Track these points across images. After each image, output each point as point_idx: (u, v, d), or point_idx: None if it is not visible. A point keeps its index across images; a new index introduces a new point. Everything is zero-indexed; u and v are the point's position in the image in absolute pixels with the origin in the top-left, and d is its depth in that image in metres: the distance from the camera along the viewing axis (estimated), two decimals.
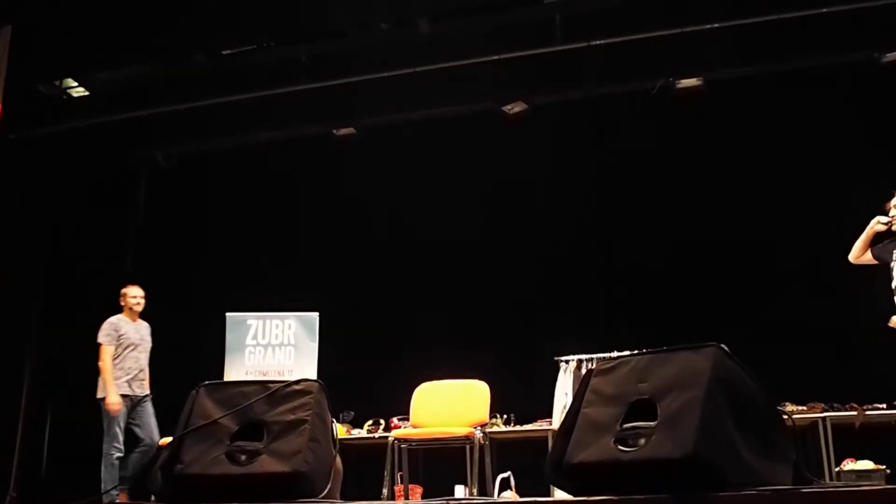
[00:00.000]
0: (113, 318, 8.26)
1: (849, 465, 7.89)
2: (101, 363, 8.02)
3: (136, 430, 7.97)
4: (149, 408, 8.15)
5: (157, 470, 3.94)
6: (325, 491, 3.87)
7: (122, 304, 8.39)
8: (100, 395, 8.01)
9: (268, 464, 3.78)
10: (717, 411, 3.16)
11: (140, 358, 8.27)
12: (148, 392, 8.24)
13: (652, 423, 3.25)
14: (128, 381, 8.06)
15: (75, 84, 10.32)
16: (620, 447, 3.29)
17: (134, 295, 8.40)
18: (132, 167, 11.34)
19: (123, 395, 7.95)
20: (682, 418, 3.16)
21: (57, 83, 10.27)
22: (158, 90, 10.06)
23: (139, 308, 8.41)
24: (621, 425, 3.35)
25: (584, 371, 8.75)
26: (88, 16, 9.21)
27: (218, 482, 3.79)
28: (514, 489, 8.29)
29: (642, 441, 3.25)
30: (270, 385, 4.01)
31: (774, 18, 8.51)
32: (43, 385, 10.35)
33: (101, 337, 8.12)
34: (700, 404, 3.15)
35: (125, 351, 8.14)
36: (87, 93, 10.40)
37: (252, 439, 3.88)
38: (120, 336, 8.15)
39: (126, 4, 9.06)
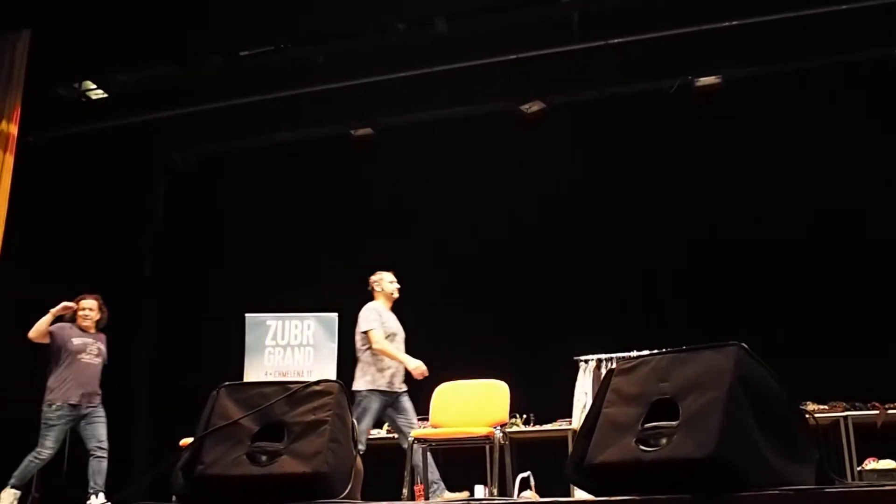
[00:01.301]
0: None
1: (871, 464, 7.84)
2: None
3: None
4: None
5: (178, 471, 3.95)
6: (346, 492, 3.86)
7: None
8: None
9: (288, 464, 3.77)
10: (739, 411, 3.14)
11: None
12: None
13: (673, 423, 3.23)
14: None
15: (94, 86, 10.36)
16: (642, 447, 3.27)
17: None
18: (150, 169, 11.39)
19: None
20: (704, 418, 3.14)
21: (75, 86, 10.31)
22: (176, 92, 10.09)
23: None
24: (643, 425, 3.33)
25: (603, 371, 8.74)
26: (106, 18, 9.24)
27: (238, 483, 3.79)
28: (533, 489, 8.28)
29: (664, 441, 3.23)
30: (291, 386, 4.01)
31: (793, 15, 8.46)
32: None
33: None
34: (722, 404, 3.13)
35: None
36: (105, 95, 10.44)
37: (272, 440, 3.87)
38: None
39: (144, 7, 9.09)
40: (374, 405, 7.43)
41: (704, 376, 3.27)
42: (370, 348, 7.60)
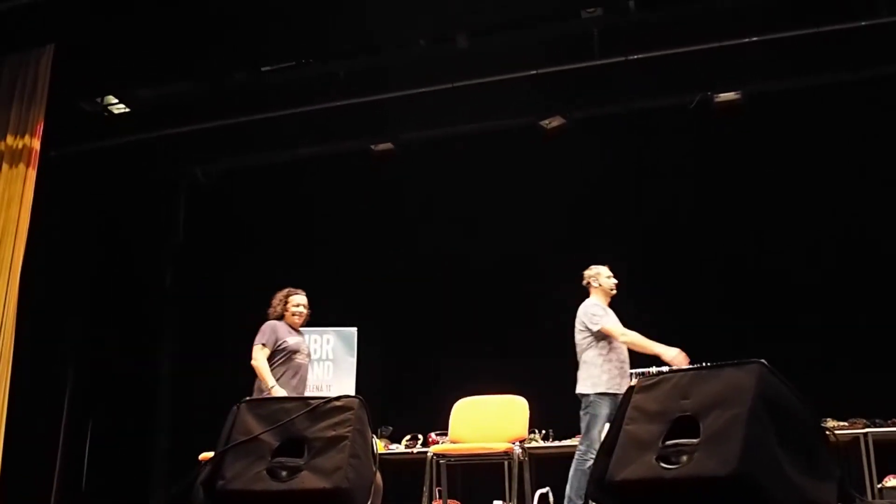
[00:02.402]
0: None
1: (891, 481, 7.79)
2: None
3: None
4: None
5: (199, 486, 3.96)
6: None
7: None
8: None
9: (309, 480, 3.79)
10: (761, 428, 3.14)
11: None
12: None
13: (695, 441, 3.24)
14: None
15: (116, 101, 10.41)
16: (663, 464, 3.27)
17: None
18: (172, 183, 11.44)
19: None
20: (726, 435, 3.14)
21: (98, 100, 10.37)
22: (198, 107, 10.13)
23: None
24: (664, 442, 3.33)
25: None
26: (129, 34, 9.30)
27: (259, 498, 3.81)
28: None
29: (685, 458, 3.23)
30: (311, 401, 4.03)
31: (813, 31, 8.45)
32: (84, 398, 10.42)
33: None
34: (744, 422, 3.13)
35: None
36: (127, 110, 10.49)
37: (293, 455, 3.89)
38: None
39: (167, 22, 9.14)
40: (604, 410, 6.95)
41: (726, 393, 3.27)
42: (591, 347, 7.19)
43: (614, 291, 7.57)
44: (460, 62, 9.33)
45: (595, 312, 7.25)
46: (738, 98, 9.38)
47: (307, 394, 7.89)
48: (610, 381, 7.08)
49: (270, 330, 7.40)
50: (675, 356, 6.95)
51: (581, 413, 7.10)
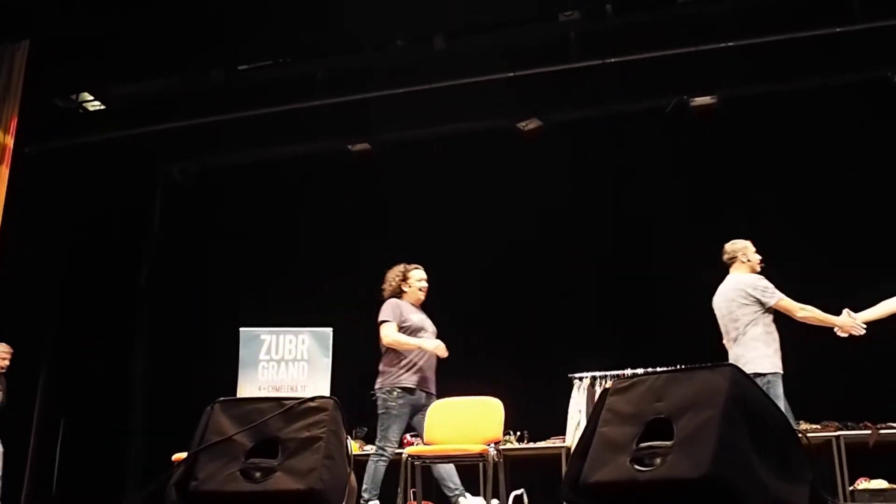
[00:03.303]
0: None
1: (862, 483, 7.85)
2: None
3: None
4: None
5: (172, 486, 3.94)
6: None
7: None
8: None
9: (283, 481, 3.78)
10: (734, 431, 3.15)
11: None
12: None
13: (669, 443, 3.25)
14: None
15: (91, 98, 10.35)
16: (637, 467, 3.28)
17: None
18: (148, 182, 11.38)
19: None
20: (700, 438, 3.15)
21: (73, 97, 10.30)
22: (175, 105, 10.09)
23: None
24: (638, 444, 3.34)
25: (598, 388, 8.75)
26: (106, 30, 9.25)
27: (233, 499, 3.79)
28: None
29: (659, 461, 3.24)
30: (286, 402, 4.01)
31: (789, 37, 8.51)
32: (56, 398, 10.36)
33: None
34: (717, 424, 3.14)
35: None
36: (103, 107, 10.42)
37: (267, 456, 3.88)
38: None
39: (143, 19, 9.10)
40: (781, 390, 6.59)
41: (700, 396, 3.29)
42: (757, 323, 6.76)
43: (758, 268, 7.17)
44: (438, 63, 9.34)
45: (767, 286, 6.87)
46: (713, 102, 9.45)
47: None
48: (778, 360, 6.76)
49: (393, 307, 7.09)
50: (844, 321, 6.78)
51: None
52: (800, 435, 3.55)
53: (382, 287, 7.26)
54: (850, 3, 8.35)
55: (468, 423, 6.79)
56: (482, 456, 6.48)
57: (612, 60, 8.93)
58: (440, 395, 7.27)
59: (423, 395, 6.99)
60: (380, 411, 6.92)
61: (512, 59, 9.21)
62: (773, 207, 9.29)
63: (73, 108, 10.36)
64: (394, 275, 7.24)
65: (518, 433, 9.09)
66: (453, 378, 7.78)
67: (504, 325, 9.69)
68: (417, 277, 7.25)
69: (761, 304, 6.82)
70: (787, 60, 8.78)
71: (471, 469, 7.82)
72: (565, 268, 9.74)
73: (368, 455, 8.98)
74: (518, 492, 8.35)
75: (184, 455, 4.05)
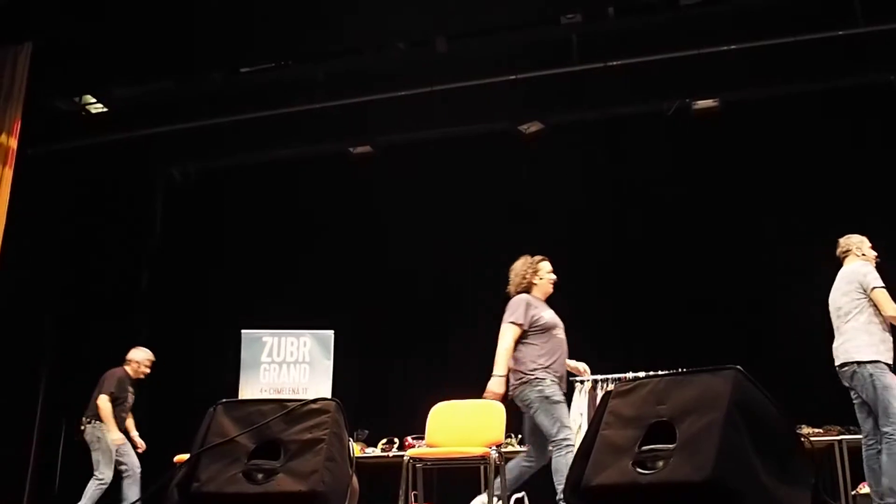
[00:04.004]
0: None
1: (864, 488, 7.82)
2: None
3: None
4: None
5: (173, 488, 3.94)
6: None
7: None
8: None
9: (285, 483, 3.77)
10: (736, 435, 3.15)
11: None
12: None
13: (671, 446, 3.25)
14: None
15: (93, 100, 10.39)
16: (639, 470, 3.28)
17: None
18: (149, 183, 11.39)
19: None
20: (702, 441, 3.15)
21: (75, 99, 10.34)
22: (176, 107, 10.11)
23: None
24: (640, 447, 3.34)
25: (599, 392, 8.75)
26: (107, 33, 9.27)
27: (235, 501, 3.79)
28: None
29: (661, 464, 3.24)
30: (288, 404, 4.01)
31: (791, 41, 8.51)
32: (57, 402, 10.36)
33: None
34: (719, 427, 3.14)
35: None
36: (105, 109, 10.46)
37: (269, 458, 3.87)
38: None
39: (145, 22, 9.11)
40: (889, 377, 6.30)
41: (702, 399, 3.28)
42: (863, 311, 6.51)
43: (876, 262, 6.83)
44: (439, 66, 9.35)
45: (870, 271, 6.60)
46: (715, 105, 9.45)
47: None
48: (885, 349, 6.45)
49: (525, 305, 6.60)
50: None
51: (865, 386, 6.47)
52: (802, 439, 3.54)
53: (509, 282, 6.85)
54: (852, 6, 8.35)
55: (470, 426, 6.78)
56: (484, 458, 6.48)
57: (614, 63, 8.94)
58: (442, 398, 7.27)
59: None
60: (535, 406, 6.42)
61: (514, 61, 9.23)
62: (775, 209, 9.28)
63: (75, 111, 10.40)
64: (524, 268, 6.79)
65: (519, 436, 9.07)
66: (455, 381, 7.78)
67: None
68: (547, 269, 6.84)
69: (864, 291, 6.57)
70: (789, 63, 8.78)
71: (472, 472, 7.82)
72: (566, 270, 9.70)
73: (370, 457, 9.03)
74: (519, 494, 8.33)
75: (186, 456, 4.04)
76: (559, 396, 6.43)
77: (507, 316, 6.60)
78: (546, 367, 6.49)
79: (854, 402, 6.62)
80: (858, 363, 6.40)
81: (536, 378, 6.45)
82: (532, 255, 6.86)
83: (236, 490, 3.79)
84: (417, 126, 10.01)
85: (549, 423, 6.34)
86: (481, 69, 9.27)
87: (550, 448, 6.35)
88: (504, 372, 6.49)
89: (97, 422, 8.61)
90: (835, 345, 6.70)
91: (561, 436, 6.31)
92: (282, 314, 9.44)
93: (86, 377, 10.31)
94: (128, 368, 8.86)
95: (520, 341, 6.57)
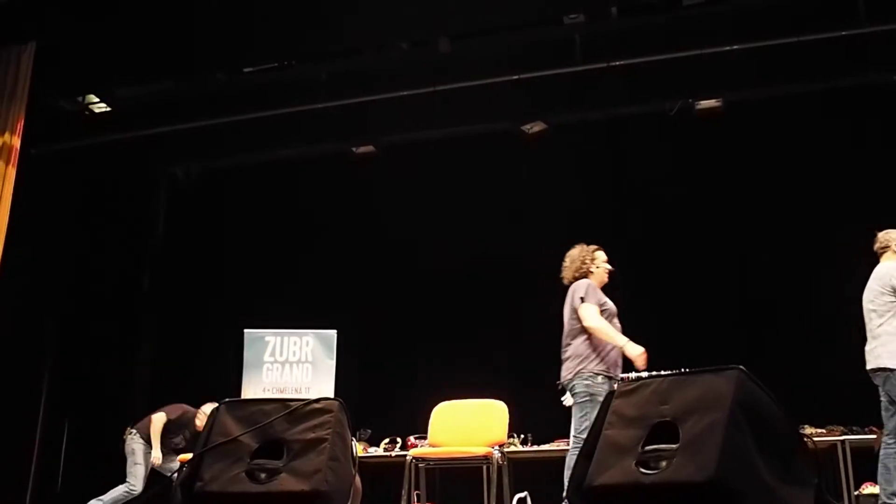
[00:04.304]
0: None
1: (868, 488, 7.82)
2: None
3: None
4: None
5: (177, 487, 3.95)
6: None
7: None
8: None
9: (287, 482, 3.78)
10: (739, 434, 3.15)
11: None
12: None
13: (674, 446, 3.25)
14: None
15: (97, 100, 10.38)
16: (642, 469, 3.28)
17: None
18: (151, 183, 11.40)
19: None
20: (705, 441, 3.15)
21: (79, 99, 10.34)
22: (179, 107, 10.10)
23: None
24: (643, 447, 3.34)
25: None
26: (111, 33, 9.28)
27: (237, 500, 3.80)
28: None
29: (664, 464, 3.24)
30: (291, 403, 4.02)
31: (794, 41, 8.51)
32: (60, 400, 10.38)
33: None
34: (722, 427, 3.14)
35: None
36: (108, 109, 10.46)
37: (272, 457, 3.88)
38: None
39: (148, 22, 9.12)
40: None
41: (705, 399, 3.29)
42: (890, 314, 6.40)
43: None
44: (442, 66, 9.34)
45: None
46: (718, 105, 9.43)
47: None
48: None
49: (592, 288, 6.58)
50: None
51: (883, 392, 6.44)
52: (805, 439, 3.54)
53: (564, 268, 6.82)
54: (855, 6, 8.34)
55: (472, 426, 6.80)
56: (486, 458, 6.50)
57: (617, 63, 8.93)
58: (444, 398, 7.28)
59: (613, 384, 6.34)
60: (581, 399, 6.29)
61: (517, 61, 9.22)
62: (777, 209, 9.28)
63: (78, 110, 10.40)
64: (581, 255, 6.77)
65: (522, 436, 9.08)
66: (458, 381, 7.79)
67: (507, 327, 9.69)
68: (603, 258, 6.81)
69: (895, 293, 6.46)
70: (792, 63, 8.77)
71: (475, 471, 7.83)
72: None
73: (372, 457, 9.02)
74: (521, 494, 8.35)
75: (189, 456, 4.05)
76: (602, 397, 6.14)
77: (580, 297, 6.50)
78: (609, 354, 6.47)
79: (881, 400, 6.55)
80: (891, 370, 6.32)
81: (594, 370, 6.39)
82: (587, 244, 6.85)
83: (239, 489, 3.80)
84: (419, 126, 10.00)
85: (577, 418, 6.29)
86: (483, 69, 9.27)
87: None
88: (625, 339, 6.43)
89: (138, 435, 8.56)
90: (867, 348, 6.60)
91: (578, 436, 6.23)
92: (284, 314, 9.44)
93: (89, 374, 10.36)
94: (197, 421, 8.64)
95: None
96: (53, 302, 10.60)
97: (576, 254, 6.80)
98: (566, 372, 6.45)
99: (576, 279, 6.68)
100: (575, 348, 6.47)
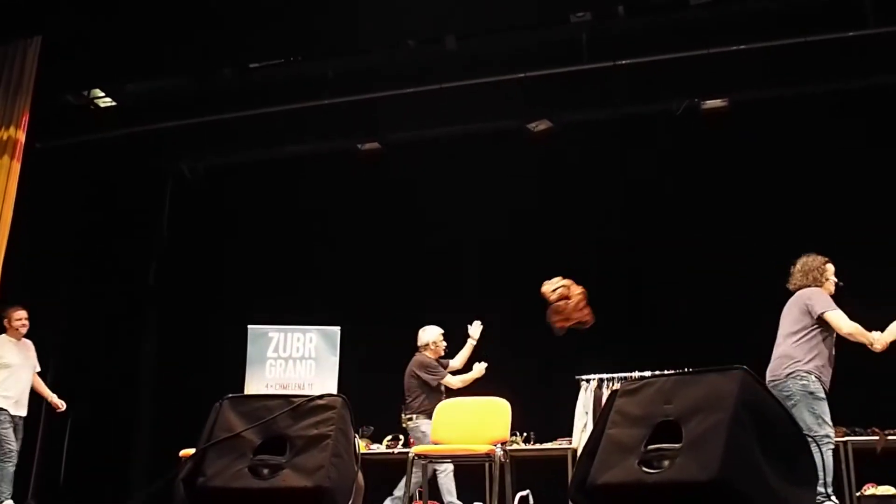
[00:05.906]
0: None
1: (870, 489, 7.82)
2: None
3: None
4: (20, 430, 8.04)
5: (179, 482, 3.95)
6: None
7: (6, 325, 8.14)
8: None
9: (290, 478, 3.77)
10: (743, 434, 3.15)
11: (23, 379, 8.06)
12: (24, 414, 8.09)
13: (677, 445, 3.24)
14: (15, 403, 7.94)
15: (103, 95, 10.39)
16: (645, 469, 3.27)
17: (19, 317, 8.15)
18: (157, 178, 11.41)
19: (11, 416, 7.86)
20: (708, 441, 3.14)
21: (85, 93, 10.35)
22: (185, 102, 10.11)
23: (24, 329, 8.19)
24: (646, 446, 3.33)
25: (605, 390, 8.75)
26: (117, 28, 9.29)
27: (240, 496, 3.79)
28: None
29: (667, 463, 3.23)
30: (294, 399, 4.01)
31: (801, 41, 8.49)
32: (64, 393, 10.37)
33: None
34: (726, 427, 3.13)
35: (8, 373, 7.90)
36: (114, 104, 10.47)
37: (275, 453, 3.87)
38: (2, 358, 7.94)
39: (155, 17, 9.12)
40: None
41: (708, 399, 3.28)
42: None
43: (23, 330, 7.68)
44: (448, 64, 9.34)
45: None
46: (724, 105, 9.43)
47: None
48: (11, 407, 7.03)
49: (829, 297, 6.75)
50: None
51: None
52: (808, 440, 3.54)
53: (793, 274, 7.00)
54: (862, 7, 8.33)
55: (475, 424, 6.80)
56: (489, 456, 6.49)
57: (624, 62, 8.94)
58: (450, 395, 7.28)
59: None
60: (796, 399, 6.45)
61: (523, 60, 9.22)
62: (783, 209, 9.27)
63: (84, 105, 10.41)
64: (815, 265, 6.91)
65: (524, 434, 9.08)
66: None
67: (511, 326, 9.68)
68: (832, 271, 6.92)
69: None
70: (799, 64, 8.76)
71: (477, 469, 7.82)
72: (573, 269, 9.71)
73: (375, 453, 9.02)
74: (524, 493, 8.36)
75: (192, 451, 4.05)
76: (822, 393, 6.51)
77: (821, 305, 6.62)
78: (817, 365, 6.57)
79: None
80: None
81: (803, 372, 6.52)
82: (818, 255, 6.97)
83: (242, 485, 3.80)
84: (425, 124, 10.01)
85: (811, 419, 6.40)
86: (490, 67, 9.27)
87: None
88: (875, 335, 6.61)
89: None
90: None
91: (822, 432, 6.40)
92: (288, 310, 9.46)
93: (93, 369, 10.36)
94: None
95: (807, 331, 6.64)
96: (58, 297, 10.60)
97: (809, 264, 6.95)
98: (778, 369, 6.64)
99: (805, 286, 6.85)
100: (792, 350, 6.65)
